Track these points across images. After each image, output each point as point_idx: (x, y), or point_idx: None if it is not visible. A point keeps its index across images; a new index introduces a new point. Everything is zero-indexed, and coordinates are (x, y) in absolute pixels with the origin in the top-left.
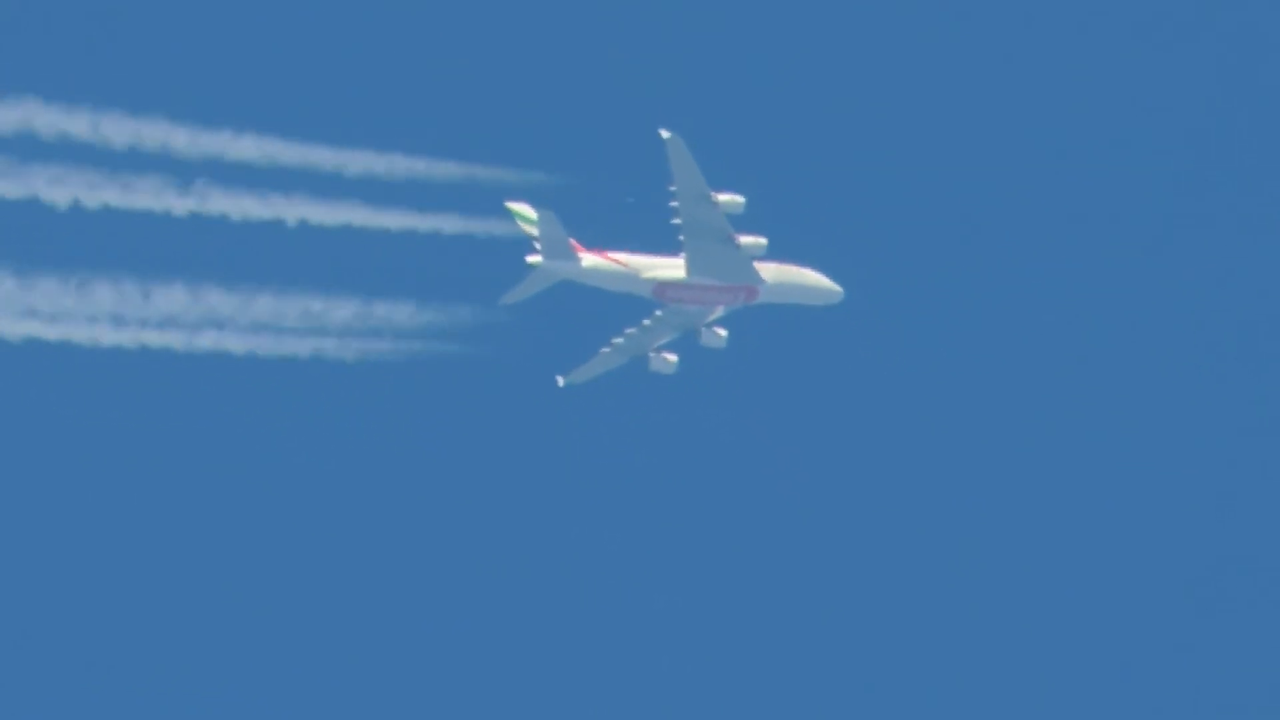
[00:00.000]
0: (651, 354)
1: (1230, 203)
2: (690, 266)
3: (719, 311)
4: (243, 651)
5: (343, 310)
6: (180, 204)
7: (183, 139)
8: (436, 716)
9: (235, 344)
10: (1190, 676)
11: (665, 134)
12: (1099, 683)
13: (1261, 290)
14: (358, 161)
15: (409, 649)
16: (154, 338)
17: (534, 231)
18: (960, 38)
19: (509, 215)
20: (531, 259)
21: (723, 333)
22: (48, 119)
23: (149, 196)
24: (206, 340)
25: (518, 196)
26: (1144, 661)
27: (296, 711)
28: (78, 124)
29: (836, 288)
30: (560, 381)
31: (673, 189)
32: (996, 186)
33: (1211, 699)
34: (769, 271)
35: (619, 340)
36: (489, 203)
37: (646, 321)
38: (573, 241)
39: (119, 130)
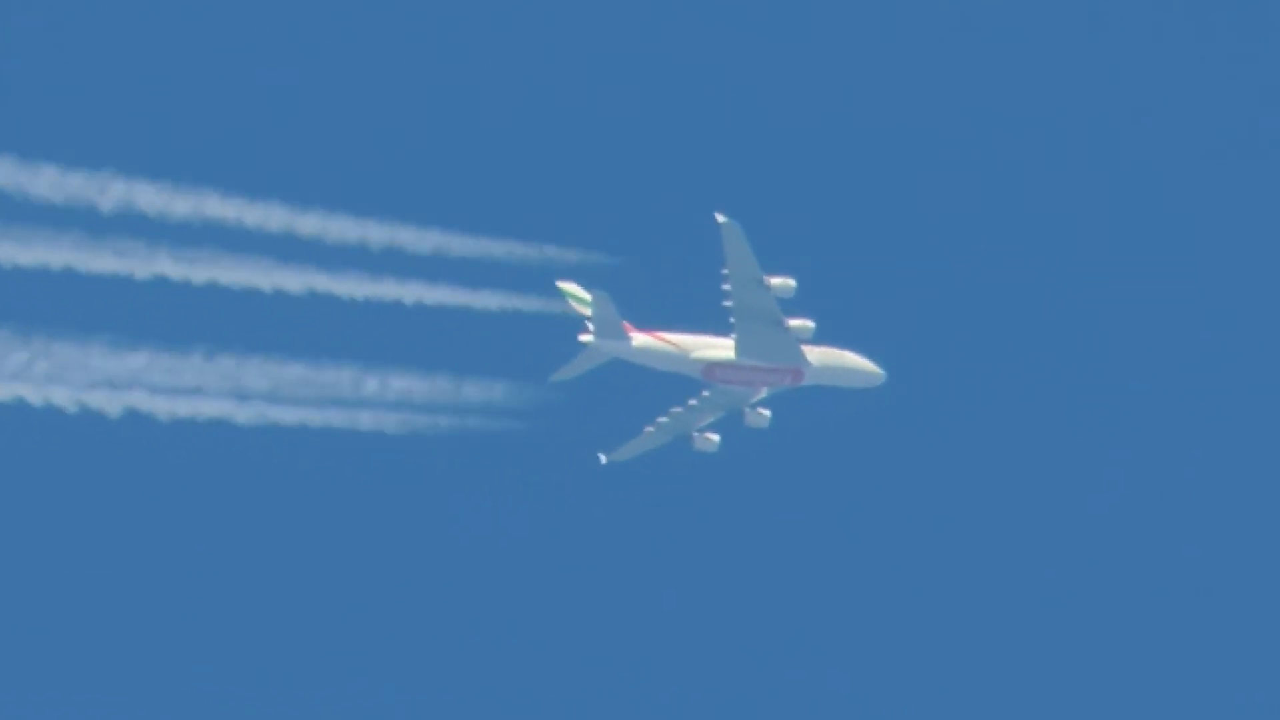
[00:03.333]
0: (695, 434)
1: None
2: (739, 348)
3: (763, 393)
4: None
5: (395, 385)
6: (241, 277)
7: (254, 215)
8: None
9: (290, 416)
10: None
11: (721, 219)
12: None
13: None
14: (414, 239)
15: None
16: (209, 408)
17: (584, 311)
18: (998, 135)
19: (560, 294)
20: (584, 337)
21: (767, 413)
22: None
23: (212, 269)
24: (261, 412)
25: (569, 276)
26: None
27: None
28: (115, 190)
29: (879, 370)
30: (603, 459)
31: (725, 272)
32: (1034, 274)
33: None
34: (814, 354)
35: (664, 419)
36: (541, 281)
37: (692, 401)
38: (624, 322)
39: (169, 201)
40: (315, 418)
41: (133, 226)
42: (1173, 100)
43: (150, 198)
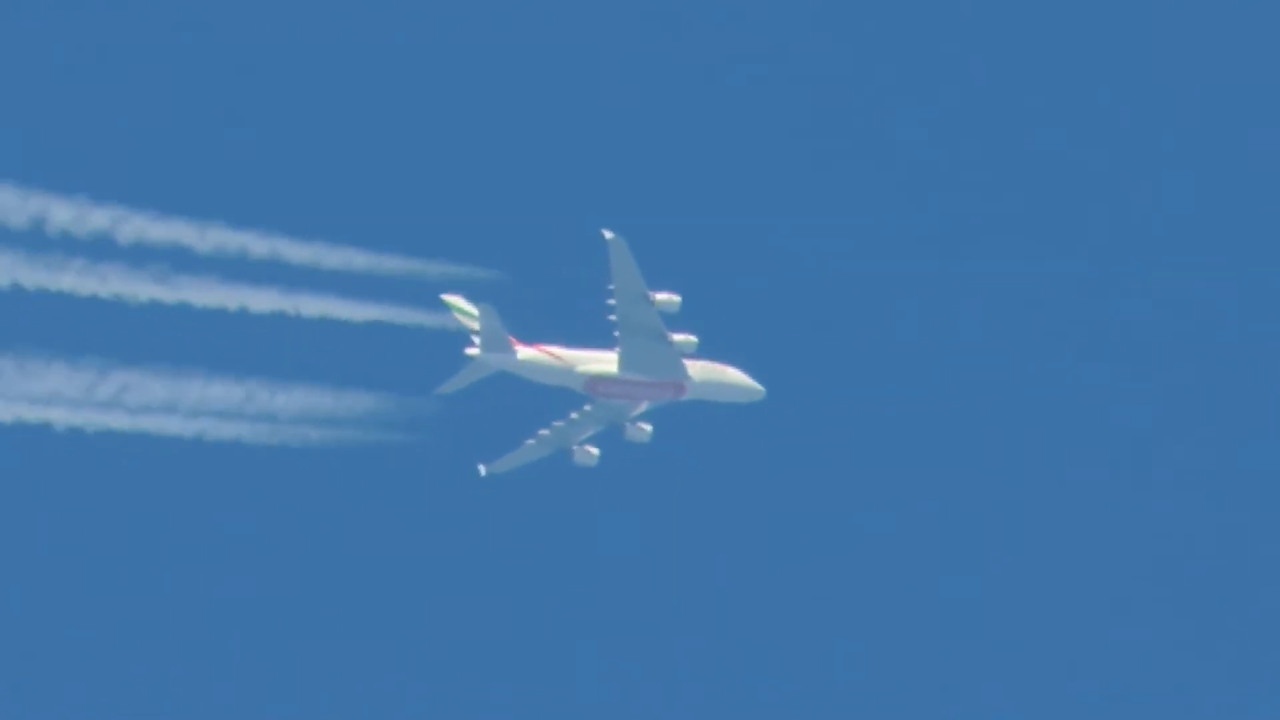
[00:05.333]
0: (575, 447)
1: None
2: (623, 362)
3: (644, 406)
4: None
5: (281, 397)
6: (122, 289)
7: (134, 226)
8: None
9: (174, 427)
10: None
11: (608, 235)
12: None
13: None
14: (301, 251)
15: None
16: (95, 419)
17: (471, 324)
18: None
19: (446, 308)
20: (470, 351)
21: (647, 428)
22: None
23: (99, 281)
24: (148, 423)
25: (456, 290)
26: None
27: None
28: (18, 207)
29: (758, 386)
30: (482, 470)
31: (611, 287)
32: (912, 292)
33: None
34: (695, 369)
35: (545, 432)
36: (428, 295)
37: (574, 414)
38: (509, 336)
39: (66, 214)
40: (210, 430)
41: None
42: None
43: (32, 205)
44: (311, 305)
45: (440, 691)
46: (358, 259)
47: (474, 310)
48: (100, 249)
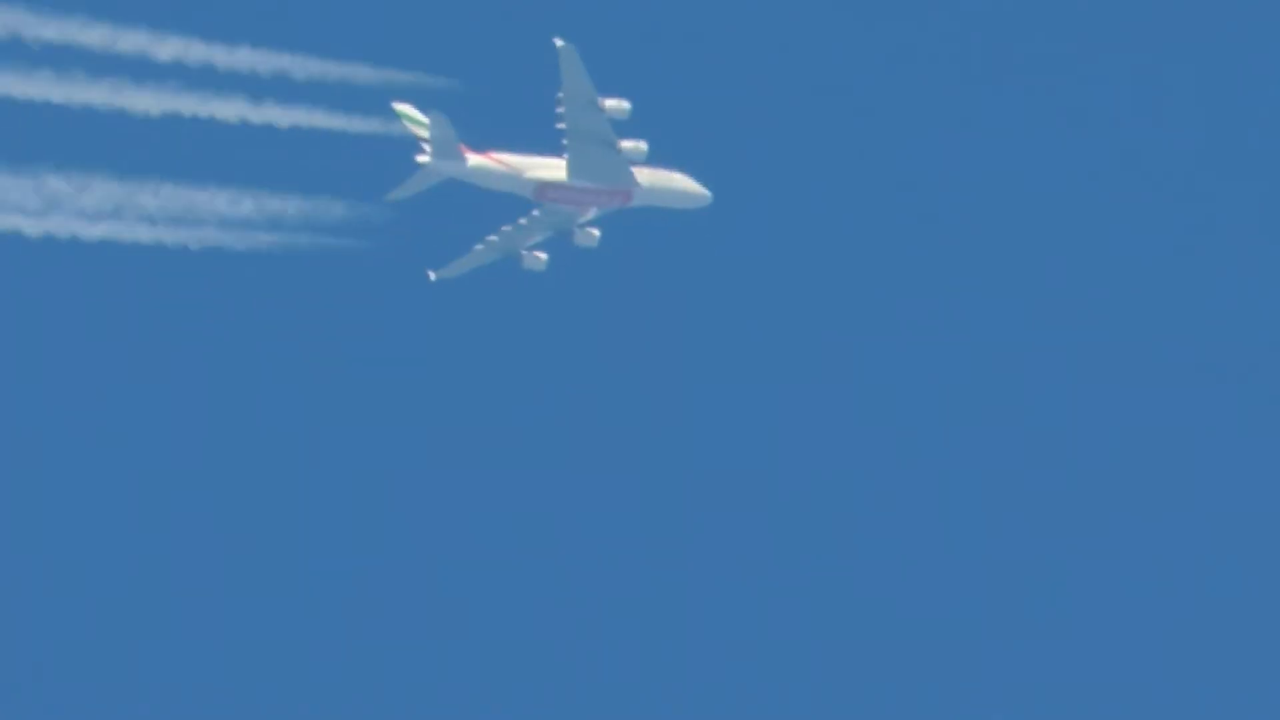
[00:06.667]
0: (523, 252)
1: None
2: (571, 169)
3: (593, 213)
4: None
5: (230, 202)
6: (63, 92)
7: (61, 29)
8: None
9: (123, 232)
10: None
11: (559, 43)
12: None
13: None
14: (252, 58)
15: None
16: (35, 226)
17: (421, 133)
18: None
19: (396, 116)
20: (420, 158)
21: (595, 233)
22: None
23: (37, 86)
24: (95, 230)
25: (406, 98)
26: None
27: None
28: None
29: (706, 192)
30: (431, 276)
31: (561, 95)
32: (860, 97)
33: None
34: (643, 175)
35: (493, 238)
36: (378, 103)
37: (523, 220)
38: (460, 144)
39: (22, 22)
40: (154, 235)
41: None
42: None
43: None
44: (261, 111)
45: (397, 475)
46: (309, 65)
47: (424, 119)
48: (44, 57)
